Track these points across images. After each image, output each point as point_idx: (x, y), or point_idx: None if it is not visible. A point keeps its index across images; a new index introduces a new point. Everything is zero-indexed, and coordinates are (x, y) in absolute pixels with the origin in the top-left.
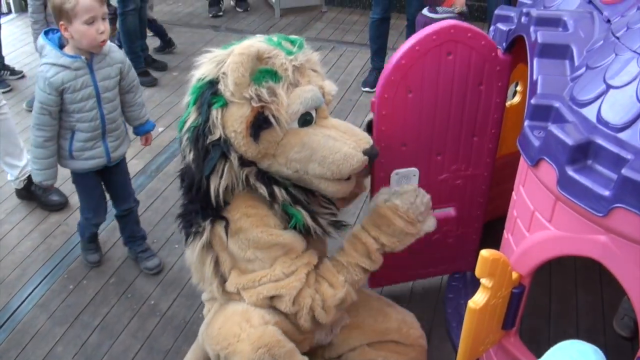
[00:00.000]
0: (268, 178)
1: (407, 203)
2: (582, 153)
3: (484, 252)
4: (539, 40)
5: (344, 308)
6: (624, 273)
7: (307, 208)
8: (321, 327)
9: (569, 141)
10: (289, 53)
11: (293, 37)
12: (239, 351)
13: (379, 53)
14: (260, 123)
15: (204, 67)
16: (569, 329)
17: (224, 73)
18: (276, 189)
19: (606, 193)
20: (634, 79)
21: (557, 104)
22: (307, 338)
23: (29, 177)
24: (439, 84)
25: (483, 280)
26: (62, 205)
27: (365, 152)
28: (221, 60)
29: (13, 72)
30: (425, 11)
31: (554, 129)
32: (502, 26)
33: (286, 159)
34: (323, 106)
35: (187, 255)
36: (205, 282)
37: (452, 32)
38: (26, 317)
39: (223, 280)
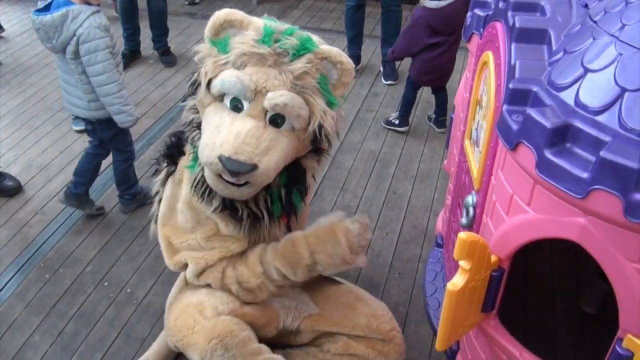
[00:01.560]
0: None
1: (358, 231)
2: (561, 136)
3: (462, 235)
4: (517, 24)
5: (264, 295)
6: (602, 255)
7: None
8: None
9: (547, 124)
10: (265, 41)
11: (304, 39)
12: (194, 343)
13: (355, 41)
14: (196, 78)
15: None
16: (546, 312)
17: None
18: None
19: (585, 175)
20: (612, 63)
21: (535, 88)
22: (272, 321)
23: None
24: None
25: (461, 263)
26: (16, 190)
27: (219, 157)
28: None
29: None
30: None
31: (532, 112)
32: (479, 12)
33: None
34: (257, 106)
35: None
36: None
37: None
38: (2, 307)
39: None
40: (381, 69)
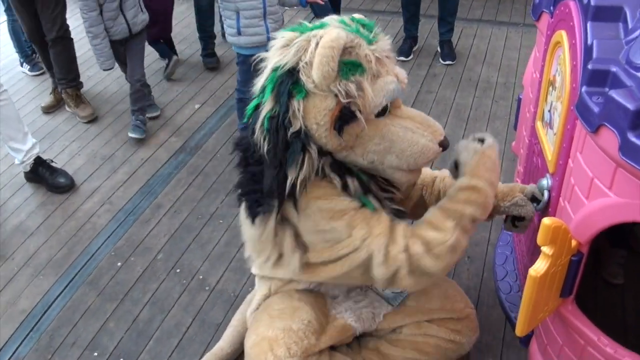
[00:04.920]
0: (341, 168)
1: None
2: None
3: (546, 220)
4: (592, 2)
5: (458, 256)
6: None
7: (377, 196)
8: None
9: (631, 106)
10: (369, 41)
11: (364, 19)
12: None
13: (412, 21)
14: (346, 117)
15: (279, 53)
16: (616, 298)
17: (306, 63)
18: (349, 180)
19: None
20: None
21: (614, 69)
22: (347, 338)
23: (36, 160)
24: None
25: (544, 248)
26: (68, 187)
27: (440, 144)
28: (301, 47)
29: None
30: None
31: (614, 94)
32: None
33: (364, 150)
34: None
35: (245, 231)
36: (285, 256)
37: None
38: (76, 294)
39: (304, 251)
40: (438, 49)
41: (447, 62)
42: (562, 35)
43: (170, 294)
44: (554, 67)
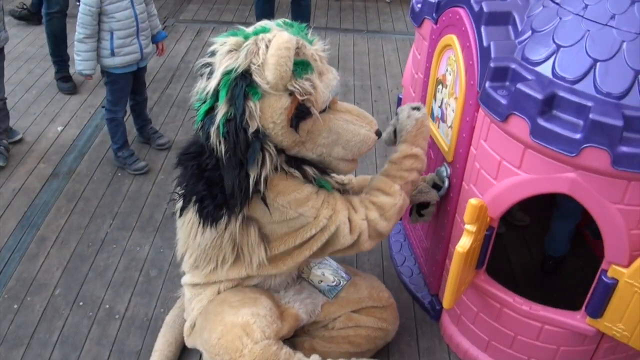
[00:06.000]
0: (297, 162)
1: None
2: (548, 105)
3: (473, 201)
4: (485, 10)
5: (401, 215)
6: (590, 201)
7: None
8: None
9: (539, 96)
10: (309, 42)
11: (295, 23)
12: None
13: None
14: (302, 114)
15: (228, 58)
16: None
17: (258, 65)
18: (307, 168)
19: (577, 136)
20: (582, 38)
21: (513, 65)
22: (296, 327)
23: None
24: None
25: (468, 226)
26: None
27: (376, 133)
28: (251, 50)
29: None
30: None
31: (522, 86)
32: None
33: (314, 145)
34: None
35: (189, 242)
36: (247, 252)
37: None
38: None
39: (267, 242)
40: None
41: None
42: (453, 38)
43: (79, 329)
44: (442, 67)
